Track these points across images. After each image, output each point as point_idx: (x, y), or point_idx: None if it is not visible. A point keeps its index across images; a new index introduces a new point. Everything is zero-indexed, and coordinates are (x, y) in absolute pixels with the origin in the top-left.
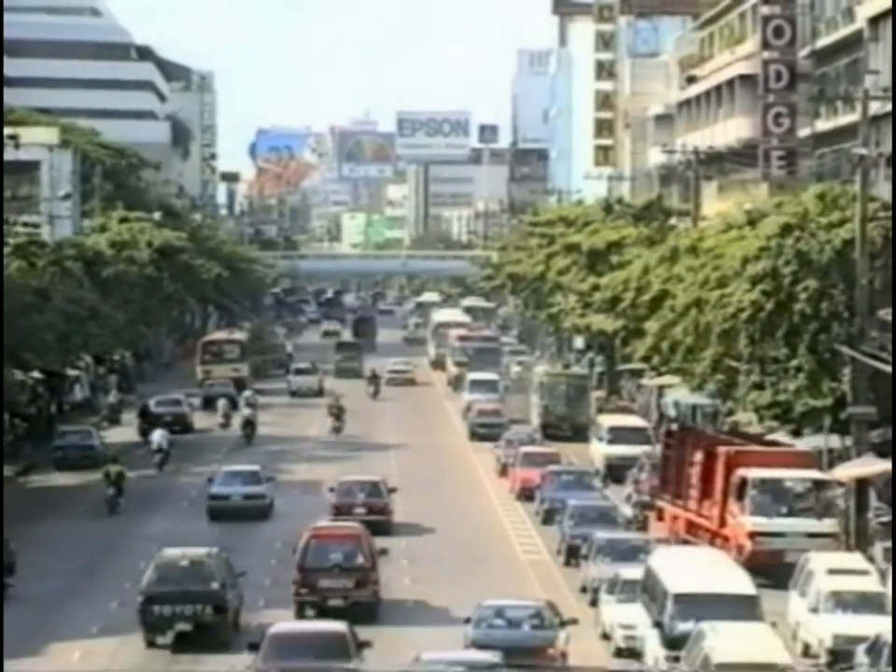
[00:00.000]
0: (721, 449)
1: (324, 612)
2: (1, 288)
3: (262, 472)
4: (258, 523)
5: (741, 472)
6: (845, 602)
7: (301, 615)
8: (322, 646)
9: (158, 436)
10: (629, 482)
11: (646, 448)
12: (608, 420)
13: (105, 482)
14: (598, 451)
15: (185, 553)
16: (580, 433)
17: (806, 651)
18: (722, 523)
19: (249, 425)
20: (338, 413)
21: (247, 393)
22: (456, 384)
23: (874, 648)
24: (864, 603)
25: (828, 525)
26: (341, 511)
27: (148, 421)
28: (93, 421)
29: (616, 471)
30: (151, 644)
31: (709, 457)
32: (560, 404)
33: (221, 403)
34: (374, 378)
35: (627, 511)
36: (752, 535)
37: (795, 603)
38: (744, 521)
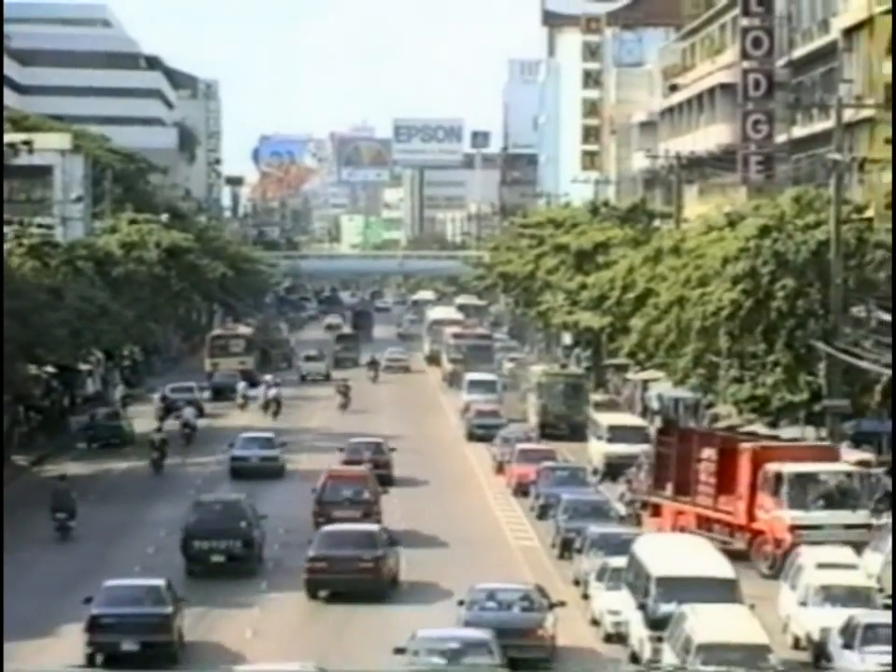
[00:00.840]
0: (746, 446)
1: None
2: (1, 289)
3: (276, 438)
4: (273, 480)
5: (773, 467)
6: (833, 596)
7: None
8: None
9: (187, 412)
10: (623, 480)
11: (644, 447)
12: (607, 419)
13: (151, 447)
14: (598, 449)
15: (218, 497)
16: (577, 432)
17: (797, 644)
18: (751, 517)
19: (276, 402)
20: (345, 392)
21: (269, 377)
22: (451, 380)
23: (847, 629)
24: (852, 597)
25: (862, 516)
26: (350, 465)
27: (166, 406)
28: (83, 423)
29: (615, 470)
30: (191, 573)
31: (728, 454)
32: (558, 403)
33: (241, 386)
34: (374, 364)
35: (621, 508)
36: (793, 528)
37: (785, 596)
38: (782, 514)
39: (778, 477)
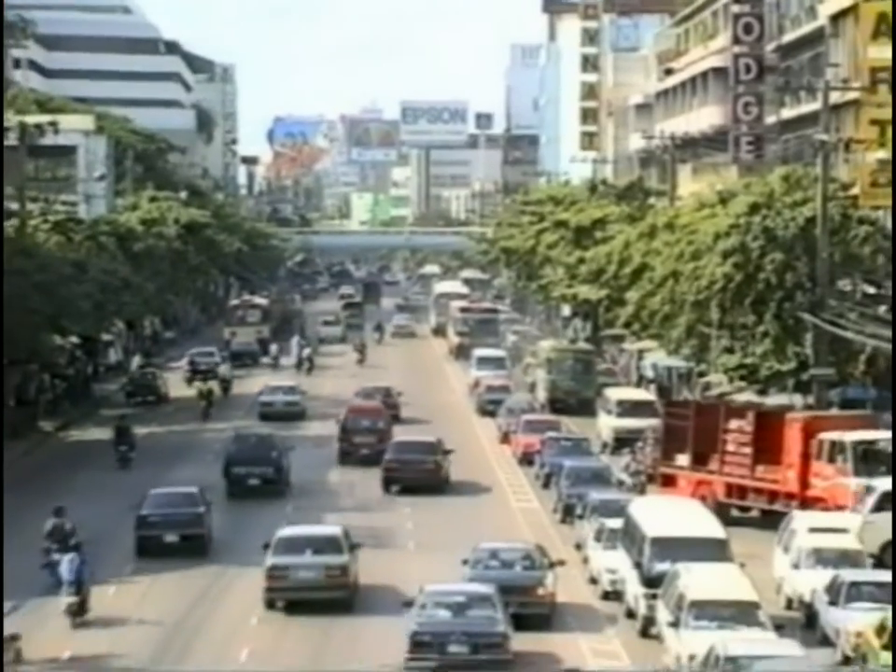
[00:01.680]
0: (796, 416)
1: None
2: (1, 276)
3: (298, 387)
4: (296, 422)
5: (830, 436)
6: (824, 559)
7: (343, 461)
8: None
9: (223, 369)
10: (628, 451)
11: (652, 421)
12: (616, 394)
13: (199, 397)
14: (607, 424)
15: (253, 432)
16: (586, 407)
17: (789, 605)
18: (804, 485)
19: (309, 361)
20: (361, 349)
21: (296, 338)
22: (458, 353)
23: (832, 586)
24: (843, 559)
25: None
26: None
27: (193, 370)
28: (123, 382)
29: (624, 444)
30: (232, 495)
31: (767, 425)
32: (567, 379)
33: (273, 348)
34: (379, 328)
35: (626, 478)
36: (856, 494)
37: (779, 559)
38: (845, 482)
39: (838, 445)
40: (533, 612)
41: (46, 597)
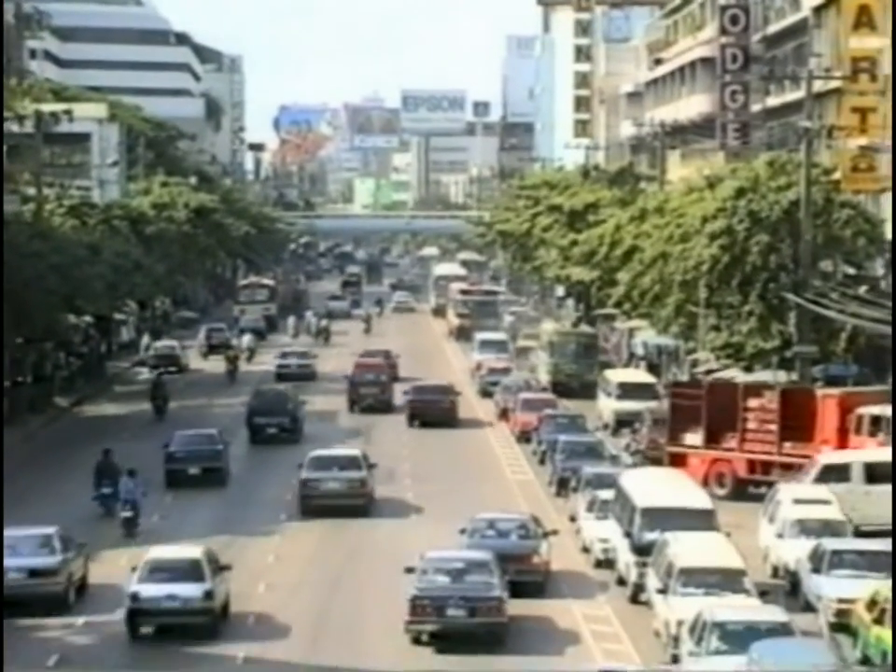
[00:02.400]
0: (832, 392)
1: (361, 404)
2: (1, 263)
3: (310, 352)
4: (307, 382)
5: (870, 411)
6: (808, 529)
7: (351, 408)
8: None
9: (247, 340)
10: (629, 432)
11: (647, 404)
12: (616, 376)
13: (226, 361)
14: (607, 406)
15: (273, 387)
16: (588, 390)
17: (775, 573)
18: None
19: (326, 331)
20: (367, 320)
21: (310, 312)
22: (458, 334)
23: (815, 554)
24: (826, 530)
25: None
26: None
27: (209, 345)
28: (135, 360)
29: (625, 425)
30: (253, 441)
31: (796, 402)
32: (569, 362)
33: (291, 320)
34: (379, 303)
35: (627, 458)
36: None
37: (765, 529)
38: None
39: (880, 420)
40: (528, 579)
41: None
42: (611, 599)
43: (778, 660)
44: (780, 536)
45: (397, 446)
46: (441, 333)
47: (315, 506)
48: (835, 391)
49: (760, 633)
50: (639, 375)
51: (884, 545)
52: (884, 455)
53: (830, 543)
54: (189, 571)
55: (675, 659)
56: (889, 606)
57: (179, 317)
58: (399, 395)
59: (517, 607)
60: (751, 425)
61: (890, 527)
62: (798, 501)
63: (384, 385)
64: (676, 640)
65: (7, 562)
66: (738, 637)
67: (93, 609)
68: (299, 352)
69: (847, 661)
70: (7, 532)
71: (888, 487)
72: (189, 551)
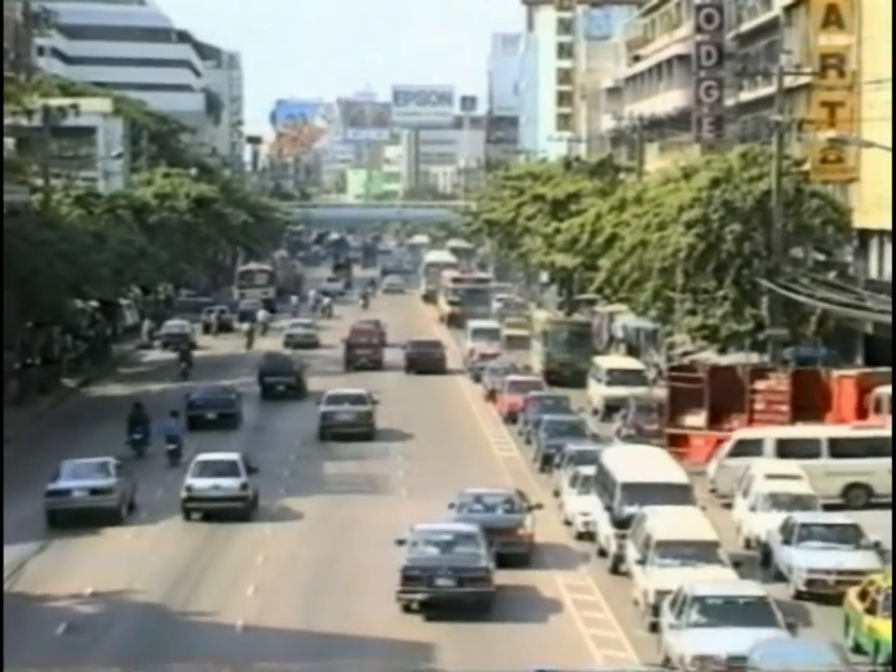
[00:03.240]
0: (849, 373)
1: (356, 364)
2: (1, 260)
3: (313, 323)
4: (312, 349)
5: (887, 391)
6: (779, 502)
7: (347, 368)
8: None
9: (261, 315)
10: (619, 416)
11: (636, 390)
12: (606, 363)
13: (246, 334)
14: (597, 392)
15: (280, 352)
16: (581, 378)
17: (748, 545)
18: None
19: (329, 308)
20: (365, 297)
21: (313, 292)
22: (449, 321)
23: (785, 527)
24: (796, 503)
25: None
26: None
27: (220, 324)
28: (137, 343)
29: (614, 411)
30: (264, 397)
31: (807, 383)
32: (562, 351)
33: (311, 293)
34: (372, 283)
35: (618, 441)
36: None
37: (738, 503)
38: None
39: None
40: (513, 551)
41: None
42: (592, 570)
43: (781, 661)
44: (753, 509)
45: (387, 394)
46: (431, 318)
47: (331, 433)
48: (853, 373)
49: (738, 606)
50: (628, 362)
51: (849, 519)
52: (793, 432)
53: (800, 517)
54: (229, 469)
55: (653, 627)
56: (880, 597)
57: (187, 301)
58: (388, 355)
59: (503, 577)
60: (759, 406)
61: None
62: (770, 476)
63: (375, 347)
64: (654, 609)
65: (72, 483)
66: (717, 611)
67: (141, 520)
68: (304, 323)
69: (850, 662)
70: (71, 462)
71: (798, 463)
72: (229, 455)
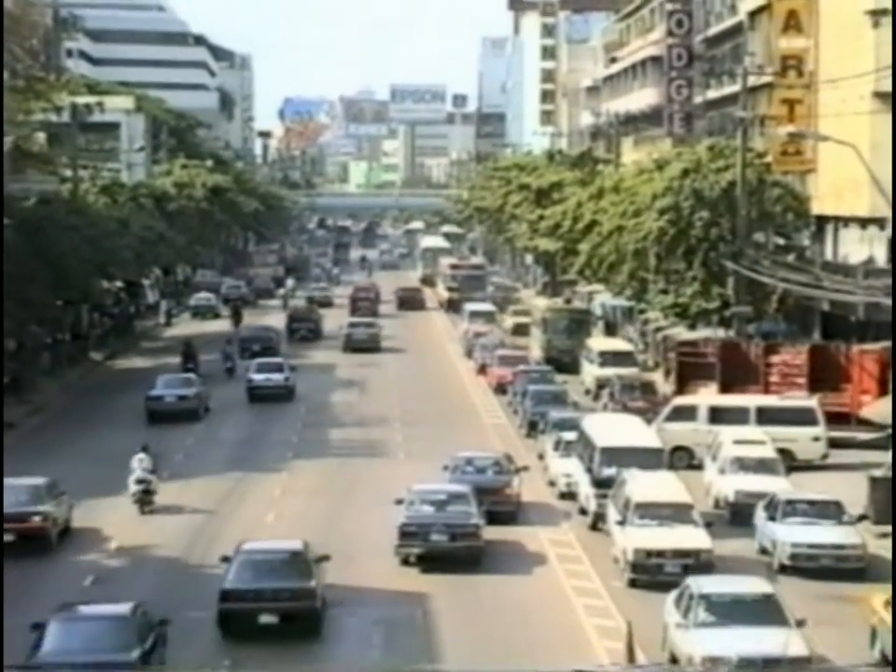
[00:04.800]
0: (871, 348)
1: (358, 314)
2: (1, 260)
3: (328, 287)
4: (328, 308)
5: None
6: (745, 466)
7: (353, 314)
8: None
9: (290, 283)
10: (605, 393)
11: (626, 370)
12: (598, 345)
13: (281, 299)
14: (590, 372)
15: (304, 305)
16: (580, 364)
17: (717, 505)
18: (858, 405)
19: (338, 277)
20: (370, 268)
21: (317, 271)
22: (448, 306)
23: (770, 503)
24: (761, 467)
25: None
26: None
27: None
28: (157, 322)
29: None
30: (290, 340)
31: (825, 357)
32: (562, 338)
33: (316, 271)
34: (364, 260)
35: None
36: None
37: (708, 466)
38: None
39: None
40: (501, 509)
41: None
42: (574, 527)
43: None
44: (722, 472)
45: (387, 327)
46: (413, 278)
47: (351, 348)
48: (876, 347)
49: (746, 604)
50: (618, 344)
51: (830, 497)
52: (725, 400)
53: (784, 494)
54: (277, 368)
55: (632, 583)
56: None
57: (202, 281)
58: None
59: (492, 533)
60: (774, 378)
61: None
62: (737, 442)
63: (372, 301)
64: (633, 566)
65: (164, 391)
66: (724, 609)
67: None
68: (321, 286)
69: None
70: (163, 376)
71: (728, 428)
72: (276, 359)
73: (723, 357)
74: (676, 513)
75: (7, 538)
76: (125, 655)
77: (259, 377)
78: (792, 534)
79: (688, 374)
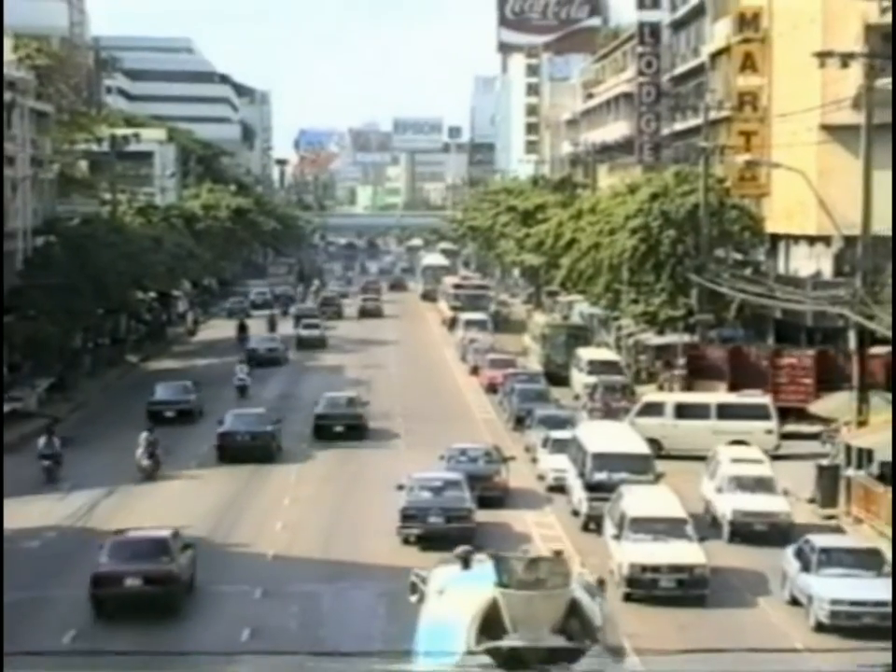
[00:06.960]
0: (878, 352)
1: (365, 306)
2: (1, 267)
3: (343, 286)
4: (344, 298)
5: None
6: (743, 484)
7: (364, 293)
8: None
9: (316, 282)
10: (586, 394)
11: (611, 378)
12: (587, 354)
13: (313, 294)
14: (579, 380)
15: (332, 296)
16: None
17: (714, 522)
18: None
19: (350, 279)
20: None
21: (337, 275)
22: (451, 324)
23: (801, 550)
24: (759, 485)
25: None
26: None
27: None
28: (186, 328)
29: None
30: (323, 315)
31: (827, 360)
32: (561, 353)
33: (315, 282)
34: (362, 265)
35: (585, 415)
36: None
37: (706, 484)
38: None
39: None
40: (491, 495)
41: None
42: (555, 510)
43: None
44: (720, 490)
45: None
46: (418, 301)
47: (364, 312)
48: (882, 351)
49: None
50: (606, 353)
51: (868, 544)
52: (689, 398)
53: (818, 541)
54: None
55: (627, 597)
56: None
57: (230, 290)
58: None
59: (483, 515)
60: (783, 379)
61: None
62: (735, 460)
63: (377, 291)
64: (628, 581)
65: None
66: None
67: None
68: (339, 285)
69: None
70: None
71: (692, 422)
72: (316, 333)
73: (732, 361)
74: (670, 528)
75: None
76: None
77: (305, 333)
78: (831, 589)
79: (698, 377)
